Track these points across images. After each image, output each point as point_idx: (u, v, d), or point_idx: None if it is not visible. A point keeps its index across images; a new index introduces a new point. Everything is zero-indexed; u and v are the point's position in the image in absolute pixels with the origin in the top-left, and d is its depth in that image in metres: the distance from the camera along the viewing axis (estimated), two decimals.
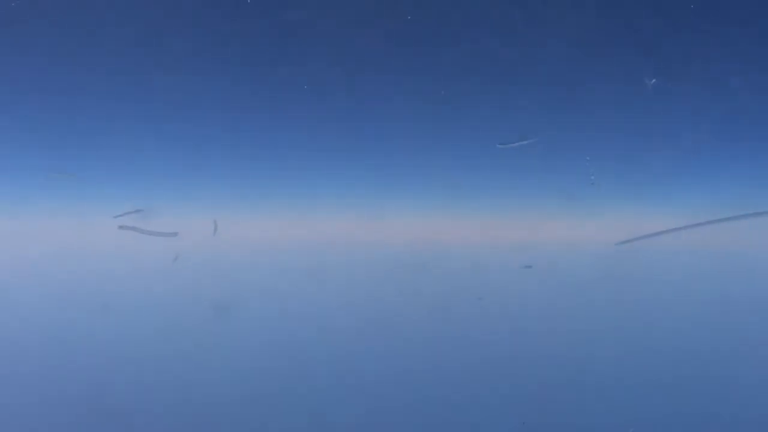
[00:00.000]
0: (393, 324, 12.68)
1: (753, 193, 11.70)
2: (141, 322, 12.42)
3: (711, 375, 11.72)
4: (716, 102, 11.24)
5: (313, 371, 12.24)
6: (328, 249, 12.54)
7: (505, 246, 11.94)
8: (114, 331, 12.03)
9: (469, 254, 12.03)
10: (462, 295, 11.34)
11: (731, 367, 11.82)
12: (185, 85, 12.16)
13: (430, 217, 12.50)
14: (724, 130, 11.79)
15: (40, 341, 12.66)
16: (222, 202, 12.57)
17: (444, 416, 11.47)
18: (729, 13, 11.21)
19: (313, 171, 12.88)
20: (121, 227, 11.16)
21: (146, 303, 12.66)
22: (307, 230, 12.69)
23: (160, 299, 12.73)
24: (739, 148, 12.58)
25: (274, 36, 11.84)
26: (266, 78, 12.41)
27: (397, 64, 11.99)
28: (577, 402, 11.60)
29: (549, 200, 12.15)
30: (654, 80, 10.82)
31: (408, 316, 12.53)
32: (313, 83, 11.58)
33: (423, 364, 12.19)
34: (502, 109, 11.66)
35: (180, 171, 13.24)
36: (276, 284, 12.62)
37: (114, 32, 11.57)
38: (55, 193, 12.69)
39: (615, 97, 11.65)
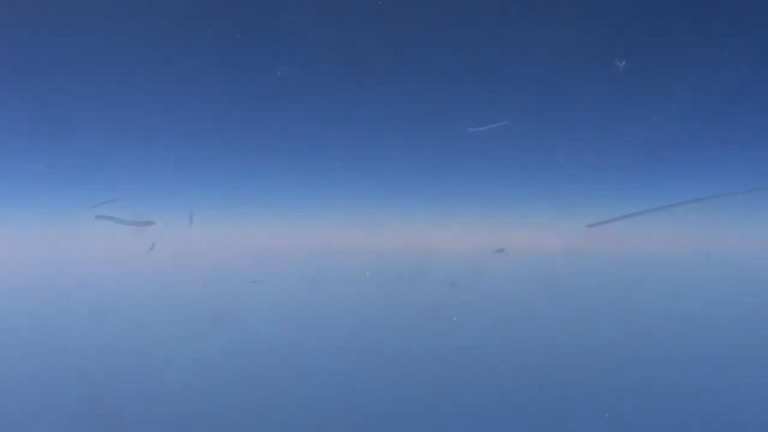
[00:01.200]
0: (365, 305, 12.80)
1: (721, 177, 11.82)
2: (118, 310, 12.52)
3: (678, 356, 11.98)
4: (687, 90, 11.38)
5: (283, 359, 12.41)
6: (299, 240, 12.61)
7: (477, 231, 12.06)
8: (91, 319, 12.12)
9: (440, 239, 12.15)
10: (435, 280, 11.47)
11: (697, 347, 12.07)
12: (167, 81, 12.18)
13: (401, 202, 12.55)
14: (693, 117, 11.94)
15: (18, 330, 12.74)
16: (198, 194, 12.60)
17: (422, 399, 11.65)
18: (690, 4, 11.31)
19: (282, 164, 12.92)
20: (98, 217, 11.22)
21: (123, 291, 12.75)
22: (277, 220, 12.75)
23: (137, 288, 12.83)
24: (709, 135, 12.71)
25: (240, 40, 11.84)
26: (243, 77, 12.46)
27: (365, 60, 12.03)
28: (554, 384, 11.80)
29: (519, 183, 12.24)
30: (624, 62, 10.93)
31: (379, 300, 12.66)
32: (283, 84, 11.64)
33: (397, 347, 12.35)
34: (473, 95, 11.72)
35: (157, 163, 13.26)
36: (249, 274, 12.73)
37: (91, 28, 11.55)
38: (31, 184, 12.68)
39: (586, 80, 11.74)
